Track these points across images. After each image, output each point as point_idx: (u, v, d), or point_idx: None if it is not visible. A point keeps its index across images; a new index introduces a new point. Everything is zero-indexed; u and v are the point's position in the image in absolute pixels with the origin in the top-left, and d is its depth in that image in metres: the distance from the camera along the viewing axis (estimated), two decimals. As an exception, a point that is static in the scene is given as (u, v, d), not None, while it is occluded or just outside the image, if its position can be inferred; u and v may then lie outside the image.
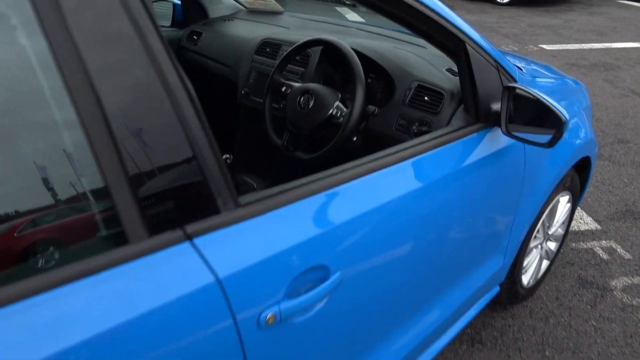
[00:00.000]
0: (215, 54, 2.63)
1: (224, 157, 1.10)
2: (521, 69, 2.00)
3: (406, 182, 1.29)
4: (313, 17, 2.81)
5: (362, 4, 1.34)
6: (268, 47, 2.37)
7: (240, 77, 2.43)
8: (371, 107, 1.78)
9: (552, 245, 2.44)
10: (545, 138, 1.46)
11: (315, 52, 2.15)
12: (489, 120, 1.61)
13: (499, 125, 1.53)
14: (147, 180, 0.76)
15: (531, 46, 7.27)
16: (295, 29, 2.59)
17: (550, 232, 2.35)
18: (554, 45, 7.34)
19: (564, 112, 1.41)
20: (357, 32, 2.42)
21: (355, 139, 1.75)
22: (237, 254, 0.87)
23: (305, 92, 1.84)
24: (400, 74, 1.88)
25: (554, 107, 1.42)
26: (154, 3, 2.92)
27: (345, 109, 1.77)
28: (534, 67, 2.29)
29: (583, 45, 7.40)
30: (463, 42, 1.50)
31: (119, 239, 0.75)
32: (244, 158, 2.54)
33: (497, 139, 1.61)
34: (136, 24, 0.77)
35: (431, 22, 1.40)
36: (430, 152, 1.39)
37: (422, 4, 1.35)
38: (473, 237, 1.67)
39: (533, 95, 1.46)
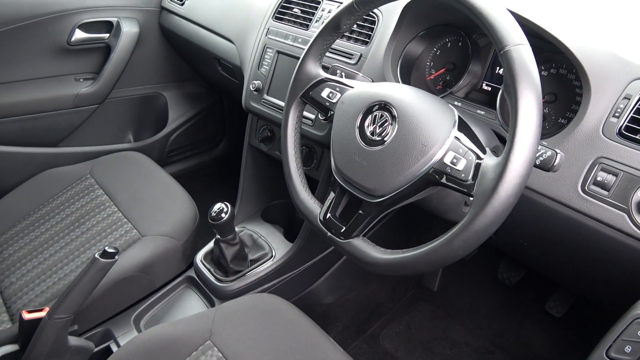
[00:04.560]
0: (209, 19, 1.59)
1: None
2: None
3: None
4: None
5: None
6: (296, 3, 1.31)
7: (248, 61, 1.39)
8: (546, 149, 0.72)
9: None
10: None
11: (391, 12, 1.08)
12: None
13: None
14: None
15: None
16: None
17: None
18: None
19: None
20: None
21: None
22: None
23: (380, 105, 0.81)
24: (600, 66, 0.81)
25: None
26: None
27: (479, 154, 0.72)
28: None
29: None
30: None
31: None
32: (255, 201, 1.54)
33: None
34: None
35: None
36: None
37: None
38: None
39: None
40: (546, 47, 0.89)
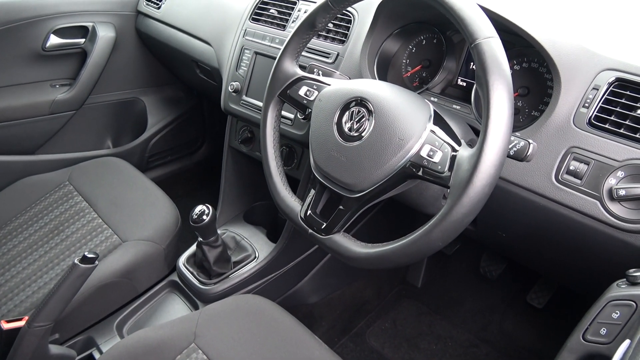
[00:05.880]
0: (186, 22, 1.59)
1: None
2: None
3: None
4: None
5: None
6: (273, 4, 1.32)
7: (225, 62, 1.39)
8: (519, 140, 0.74)
9: None
10: None
11: (366, 10, 1.10)
12: None
13: None
14: None
15: None
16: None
17: None
18: None
19: None
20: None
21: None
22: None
23: (357, 101, 0.81)
24: (569, 58, 0.83)
25: None
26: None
27: (454, 146, 0.73)
28: None
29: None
30: None
31: None
32: (237, 203, 1.53)
33: None
34: None
35: None
36: None
37: None
38: None
39: None
40: (518, 41, 0.91)
